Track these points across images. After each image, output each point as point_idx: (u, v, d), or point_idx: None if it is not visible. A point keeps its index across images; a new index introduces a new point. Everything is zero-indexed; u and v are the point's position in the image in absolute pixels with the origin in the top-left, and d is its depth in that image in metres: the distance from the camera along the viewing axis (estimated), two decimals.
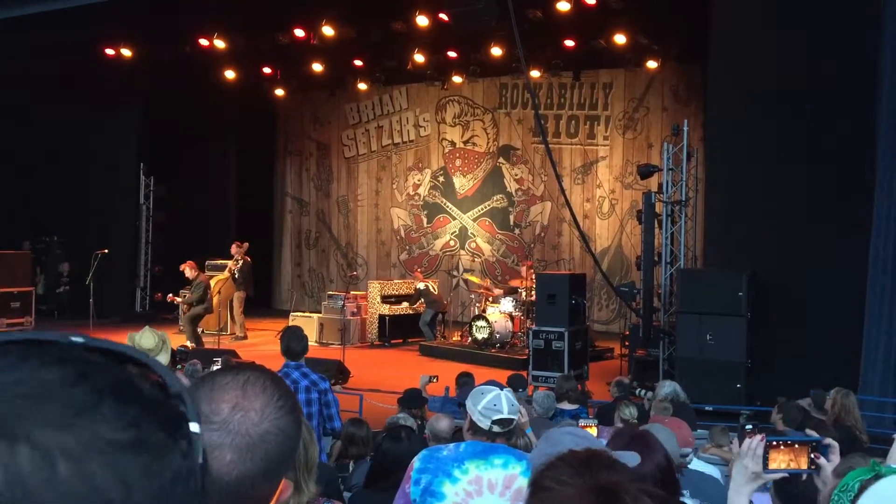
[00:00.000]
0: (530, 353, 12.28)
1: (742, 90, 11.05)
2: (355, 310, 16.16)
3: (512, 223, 19.23)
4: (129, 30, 17.02)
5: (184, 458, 0.61)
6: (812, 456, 2.26)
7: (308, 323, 15.58)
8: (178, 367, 9.20)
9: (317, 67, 18.38)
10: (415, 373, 10.23)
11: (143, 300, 19.50)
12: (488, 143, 19.53)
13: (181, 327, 15.00)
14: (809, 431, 2.52)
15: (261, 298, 19.05)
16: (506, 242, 19.33)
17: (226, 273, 15.86)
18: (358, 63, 18.75)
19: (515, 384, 8.38)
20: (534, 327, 12.45)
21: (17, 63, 16.48)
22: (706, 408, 9.61)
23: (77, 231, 18.54)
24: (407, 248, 20.50)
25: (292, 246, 22.25)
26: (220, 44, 16.95)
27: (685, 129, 12.56)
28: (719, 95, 11.60)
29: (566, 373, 10.47)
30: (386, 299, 16.26)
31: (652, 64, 16.55)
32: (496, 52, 16.44)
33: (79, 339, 0.63)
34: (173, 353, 9.19)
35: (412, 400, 7.18)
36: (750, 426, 2.60)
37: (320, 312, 16.45)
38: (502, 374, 9.87)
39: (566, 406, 7.72)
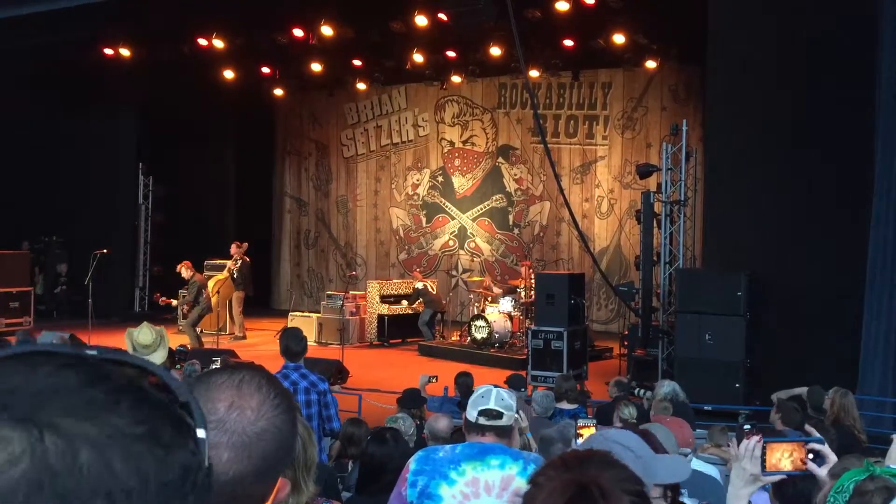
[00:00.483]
0: (529, 352, 12.28)
1: (741, 90, 11.05)
2: (354, 310, 16.15)
3: (511, 223, 19.23)
4: (128, 30, 17.01)
5: (193, 455, 0.64)
6: (811, 456, 2.26)
7: (307, 323, 15.58)
8: (178, 366, 9.20)
9: (316, 67, 18.38)
10: (414, 373, 10.24)
11: (142, 300, 19.49)
12: (487, 142, 19.53)
13: (181, 328, 15.00)
14: (809, 428, 2.51)
15: (260, 298, 19.04)
16: (505, 242, 19.33)
17: (225, 273, 15.85)
18: (357, 63, 18.75)
19: (514, 384, 8.39)
20: (533, 327, 12.45)
21: (16, 62, 16.47)
22: (705, 407, 9.61)
23: (76, 231, 18.52)
24: (406, 247, 20.50)
25: (291, 246, 22.24)
26: (218, 44, 16.94)
27: (684, 128, 12.57)
28: (718, 95, 11.60)
29: (565, 373, 10.47)
30: (385, 299, 16.26)
31: (651, 64, 16.56)
32: (495, 51, 16.44)
33: (93, 352, 0.66)
34: (172, 353, 9.19)
35: (411, 400, 7.17)
36: (749, 426, 2.60)
37: (319, 312, 16.44)
38: (501, 374, 9.89)
39: (565, 406, 7.72)
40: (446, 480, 2.97)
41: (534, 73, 17.13)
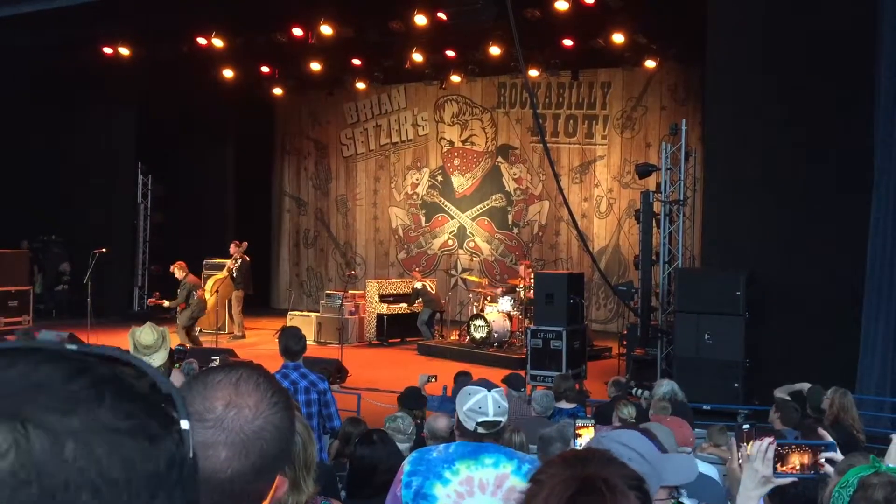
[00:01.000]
0: (528, 352, 12.28)
1: (740, 90, 11.05)
2: (353, 309, 16.15)
3: (510, 222, 19.23)
4: (128, 29, 16.99)
5: (177, 447, 0.64)
6: (823, 460, 2.25)
7: (306, 322, 15.57)
8: (176, 365, 9.18)
9: (315, 66, 18.37)
10: (413, 372, 10.23)
11: (141, 299, 19.48)
12: (487, 142, 19.53)
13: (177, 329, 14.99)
14: (822, 432, 2.51)
15: (259, 297, 19.05)
16: (504, 242, 19.33)
17: (224, 272, 15.85)
18: (356, 62, 18.74)
19: (513, 384, 8.37)
20: (532, 326, 12.45)
21: (15, 61, 16.46)
22: (704, 407, 9.61)
23: (75, 230, 18.52)
24: (405, 247, 20.50)
25: (290, 245, 22.24)
26: (218, 43, 16.94)
27: (683, 128, 12.57)
28: (717, 95, 11.60)
29: (564, 372, 10.48)
30: (384, 298, 16.25)
31: (650, 63, 16.56)
32: (494, 51, 16.44)
33: (72, 347, 0.66)
34: (171, 352, 9.17)
35: (413, 400, 7.14)
36: (747, 426, 2.59)
37: (318, 311, 16.44)
38: (500, 374, 9.87)
39: (564, 405, 7.72)
40: (441, 480, 2.96)
41: (533, 73, 17.13)
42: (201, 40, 16.99)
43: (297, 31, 16.58)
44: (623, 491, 1.15)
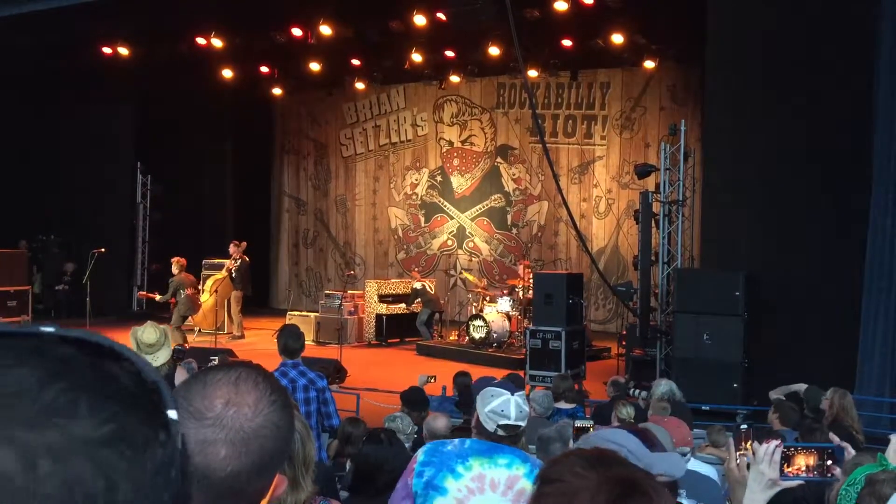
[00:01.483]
0: (527, 352, 12.28)
1: (739, 90, 11.06)
2: (353, 309, 16.15)
3: (509, 223, 19.24)
4: (127, 29, 16.99)
5: (163, 449, 0.61)
6: (828, 463, 2.25)
7: (305, 322, 15.56)
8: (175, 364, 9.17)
9: (314, 67, 18.37)
10: (412, 372, 10.23)
11: (140, 299, 19.47)
12: (486, 142, 19.53)
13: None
14: (832, 436, 2.51)
15: (258, 298, 19.05)
16: (503, 242, 19.34)
17: (223, 272, 15.85)
18: (355, 62, 18.74)
19: (513, 384, 8.36)
20: (531, 327, 12.46)
21: (14, 61, 16.45)
22: (703, 407, 9.62)
23: (74, 230, 18.51)
24: (405, 247, 20.50)
25: (290, 245, 22.24)
26: (217, 43, 16.94)
27: (682, 128, 12.58)
28: (717, 95, 11.61)
29: (563, 372, 10.48)
30: (383, 298, 16.25)
31: (649, 64, 16.56)
32: (494, 51, 16.44)
33: (49, 329, 0.62)
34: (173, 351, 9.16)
35: (416, 402, 7.11)
36: (745, 426, 2.59)
37: (317, 312, 16.44)
38: (499, 374, 9.88)
39: (563, 405, 7.72)
40: (453, 474, 2.98)
41: (532, 73, 17.13)
42: (200, 40, 16.99)
43: (297, 31, 16.58)
44: (663, 491, 1.14)
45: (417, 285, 16.11)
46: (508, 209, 19.24)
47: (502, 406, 3.07)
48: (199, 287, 14.84)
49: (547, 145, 14.94)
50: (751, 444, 2.52)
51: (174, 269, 14.20)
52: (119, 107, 18.77)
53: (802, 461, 2.23)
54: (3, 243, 16.90)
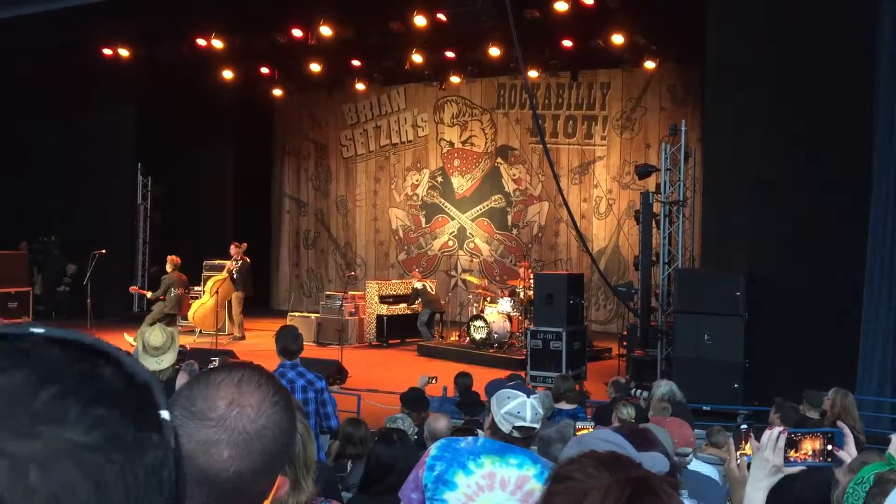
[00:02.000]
0: (528, 353, 12.28)
1: (740, 90, 11.06)
2: (353, 310, 16.15)
3: (510, 223, 19.24)
4: (127, 30, 17.00)
5: (155, 451, 0.61)
6: (830, 448, 2.25)
7: (306, 323, 15.58)
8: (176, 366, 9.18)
9: (315, 67, 18.38)
10: (413, 373, 10.24)
11: (141, 300, 19.45)
12: (486, 143, 19.53)
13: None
14: (840, 424, 2.51)
15: (259, 298, 19.05)
16: (504, 243, 19.34)
17: (224, 273, 15.85)
18: (356, 63, 18.75)
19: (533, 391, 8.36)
20: (532, 327, 12.46)
21: (15, 63, 16.46)
22: (704, 408, 9.62)
23: (74, 231, 18.51)
24: (405, 248, 20.50)
25: (290, 246, 22.24)
26: (217, 44, 16.94)
27: (683, 129, 12.59)
28: (717, 96, 11.61)
29: (564, 373, 10.48)
30: (384, 299, 16.25)
31: (650, 64, 16.56)
32: (494, 52, 16.44)
33: (39, 330, 0.62)
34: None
35: (417, 402, 7.12)
36: (745, 426, 2.59)
37: (318, 312, 16.44)
38: (500, 375, 9.87)
39: (564, 406, 7.73)
40: (464, 470, 3.01)
41: (532, 74, 17.14)
42: (201, 41, 17.00)
43: (297, 32, 16.59)
44: (674, 494, 1.14)
45: (418, 285, 16.12)
46: (509, 210, 19.24)
47: (518, 408, 3.11)
48: (190, 288, 14.67)
49: (547, 146, 14.94)
50: (749, 445, 2.52)
51: (168, 267, 14.16)
52: (120, 108, 18.78)
53: (809, 445, 2.23)
54: (3, 245, 16.90)
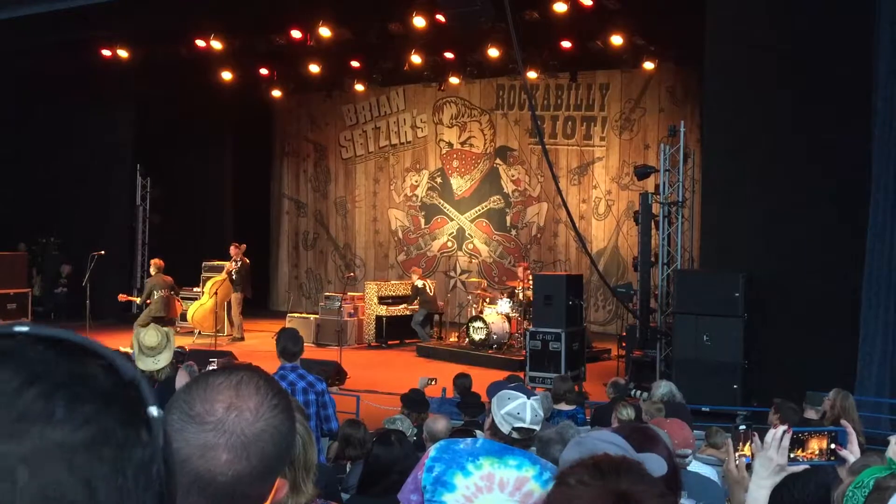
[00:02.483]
0: (527, 353, 12.28)
1: (739, 91, 11.07)
2: (352, 311, 16.15)
3: (508, 224, 19.24)
4: (126, 31, 16.99)
5: (144, 448, 0.61)
6: (833, 447, 2.25)
7: (305, 324, 15.57)
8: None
9: (313, 69, 18.37)
10: (412, 373, 10.24)
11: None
12: (485, 144, 19.54)
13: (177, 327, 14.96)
14: (844, 422, 2.51)
15: (258, 299, 19.03)
16: (502, 244, 19.34)
17: (223, 274, 15.84)
18: (355, 64, 18.74)
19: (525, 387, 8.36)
20: (531, 328, 12.46)
21: (14, 63, 16.46)
22: (703, 408, 9.62)
23: (73, 232, 18.51)
24: (405, 249, 20.50)
25: (289, 247, 22.24)
26: (216, 45, 16.94)
27: (682, 130, 12.59)
28: (716, 96, 11.62)
29: (563, 374, 10.48)
30: (383, 300, 16.25)
31: (649, 65, 16.57)
32: (493, 53, 16.45)
33: (24, 329, 0.62)
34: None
35: (418, 403, 7.12)
36: (744, 427, 2.59)
37: (317, 313, 16.44)
38: (499, 375, 9.88)
39: (563, 407, 7.73)
40: (463, 471, 3.01)
41: (532, 75, 17.14)
42: (200, 42, 16.99)
43: (296, 33, 16.59)
44: None
45: (419, 283, 16.09)
46: (508, 210, 19.24)
47: (518, 409, 3.12)
48: (175, 288, 14.54)
49: (546, 147, 14.93)
50: (749, 445, 2.52)
51: (151, 271, 14.13)
52: (118, 109, 18.77)
53: (808, 446, 2.23)
54: (2, 245, 16.89)
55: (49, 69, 17.05)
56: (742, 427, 2.65)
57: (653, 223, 12.65)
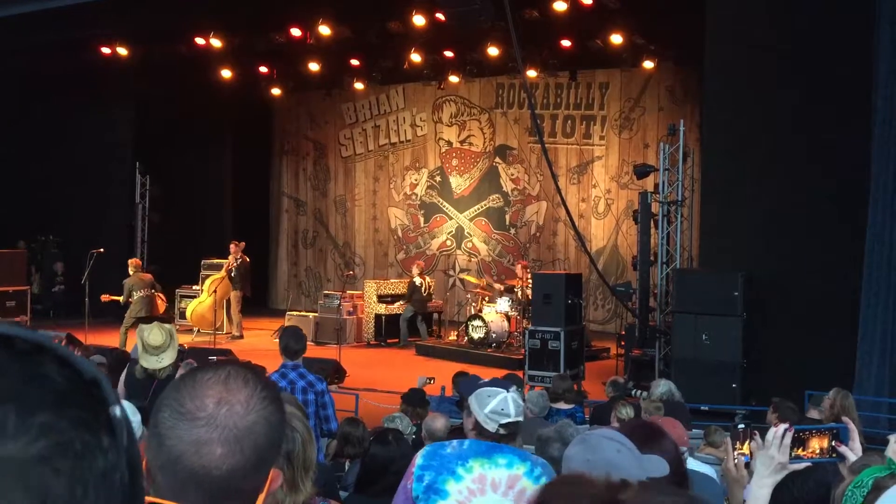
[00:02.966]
0: (526, 352, 12.28)
1: (738, 90, 11.07)
2: (351, 309, 16.15)
3: (508, 223, 19.23)
4: (125, 29, 16.98)
5: (106, 455, 0.57)
6: (833, 444, 2.25)
7: (304, 322, 15.56)
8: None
9: (313, 67, 18.36)
10: (411, 372, 10.25)
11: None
12: (485, 142, 19.53)
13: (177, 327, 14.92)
14: (845, 419, 2.51)
15: (257, 298, 19.03)
16: (502, 242, 19.34)
17: (222, 272, 15.84)
18: (354, 62, 18.73)
19: (504, 380, 8.36)
20: (530, 327, 12.45)
21: (13, 62, 16.44)
22: (702, 407, 9.63)
23: (72, 230, 18.50)
24: (404, 247, 20.50)
25: (289, 245, 22.23)
26: (216, 43, 16.93)
27: (681, 129, 12.59)
28: (715, 96, 11.62)
29: (562, 373, 10.48)
30: (382, 299, 16.24)
31: (648, 64, 16.56)
32: (493, 51, 16.44)
33: None
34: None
35: (418, 399, 7.12)
36: (742, 425, 2.59)
37: (316, 312, 16.44)
38: (498, 374, 9.88)
39: (562, 406, 7.73)
40: (453, 476, 2.97)
41: (531, 73, 17.12)
42: (199, 40, 16.98)
43: (296, 32, 16.58)
44: None
45: (417, 280, 16.05)
46: (507, 209, 19.24)
47: (501, 405, 3.08)
48: (156, 285, 14.45)
49: (546, 145, 14.93)
50: (748, 444, 2.52)
51: (130, 270, 14.04)
52: (118, 107, 18.76)
53: (809, 444, 2.23)
54: (2, 243, 16.88)
55: (48, 68, 17.03)
56: (741, 426, 2.65)
57: (652, 222, 12.65)
